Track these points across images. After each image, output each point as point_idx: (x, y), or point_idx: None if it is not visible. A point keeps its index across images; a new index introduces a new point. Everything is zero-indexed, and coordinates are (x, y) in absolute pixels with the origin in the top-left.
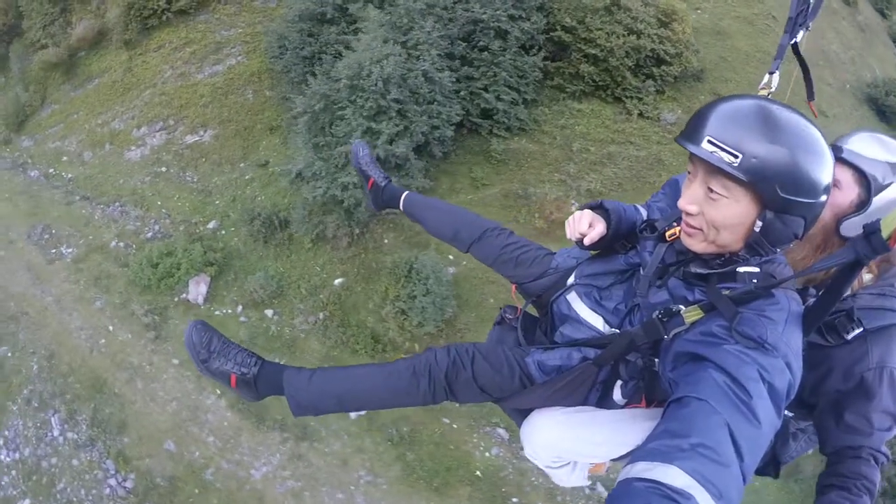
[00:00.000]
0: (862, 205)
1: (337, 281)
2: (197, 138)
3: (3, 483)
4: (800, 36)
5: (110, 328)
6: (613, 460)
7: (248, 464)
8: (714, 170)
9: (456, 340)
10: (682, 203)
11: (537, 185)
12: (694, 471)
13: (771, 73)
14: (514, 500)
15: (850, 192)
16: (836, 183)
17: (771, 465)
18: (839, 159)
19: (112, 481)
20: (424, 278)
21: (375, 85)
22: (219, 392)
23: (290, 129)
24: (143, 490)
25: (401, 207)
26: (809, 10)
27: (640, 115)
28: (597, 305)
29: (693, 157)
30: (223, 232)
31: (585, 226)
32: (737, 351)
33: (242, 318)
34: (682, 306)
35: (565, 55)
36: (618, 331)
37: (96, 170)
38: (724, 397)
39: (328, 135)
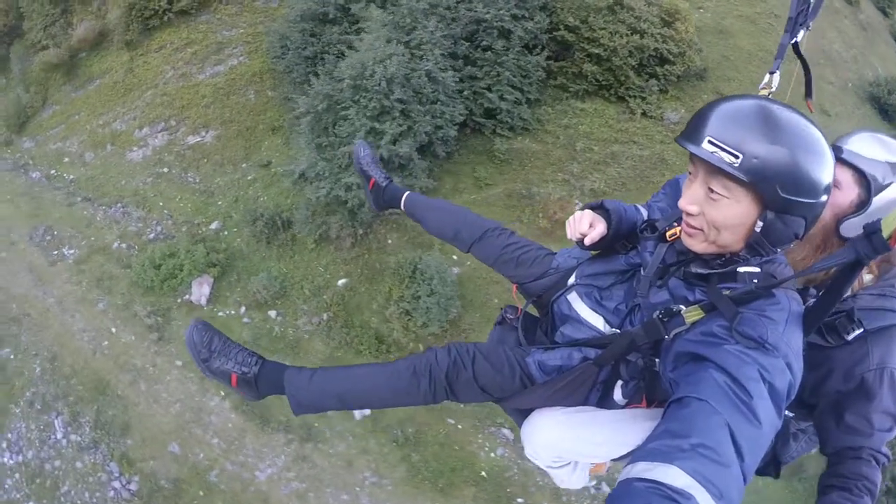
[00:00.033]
0: (862, 205)
1: (340, 281)
2: (199, 139)
3: (6, 486)
4: (800, 35)
5: (113, 330)
6: (614, 460)
7: (252, 465)
8: (715, 170)
9: (460, 341)
10: (683, 203)
11: (541, 185)
12: (694, 471)
13: (771, 73)
14: (520, 500)
15: (849, 192)
16: (835, 183)
17: (771, 466)
18: (839, 159)
19: (116, 484)
20: (429, 279)
21: (379, 85)
22: (223, 393)
23: (292, 129)
24: (148, 492)
25: (402, 208)
26: (810, 9)
27: (644, 114)
28: (597, 305)
29: (693, 158)
30: (226, 233)
31: (586, 226)
32: (737, 351)
33: (246, 320)
34: (682, 306)
35: (568, 55)
36: (618, 331)
37: (98, 171)
38: (725, 397)
39: (331, 135)
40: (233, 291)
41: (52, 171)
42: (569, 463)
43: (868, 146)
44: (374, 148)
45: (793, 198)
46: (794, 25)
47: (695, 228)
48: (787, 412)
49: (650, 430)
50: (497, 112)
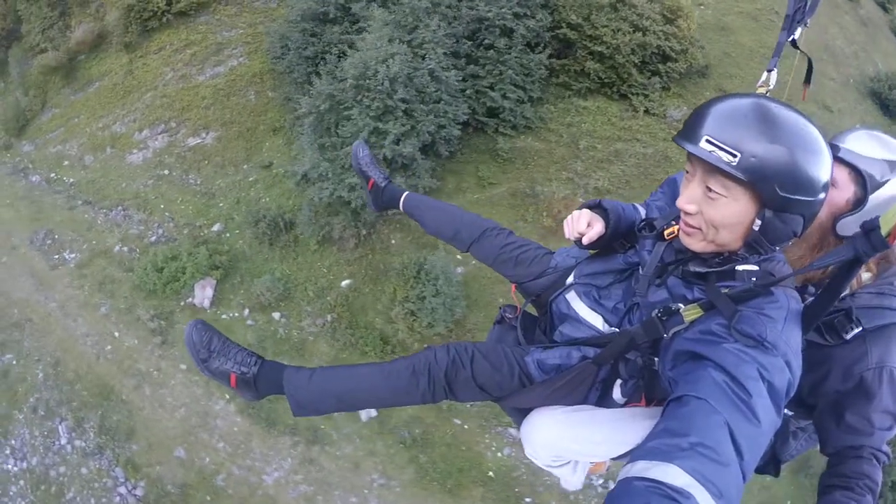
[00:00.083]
0: (858, 203)
1: (344, 282)
2: (199, 140)
3: (11, 493)
4: (797, 33)
5: (116, 334)
6: (613, 459)
7: (259, 469)
8: (713, 169)
9: (466, 340)
10: (681, 202)
11: (544, 184)
12: (694, 470)
13: (769, 71)
14: (528, 500)
15: (846, 190)
16: (831, 182)
17: (771, 464)
18: (835, 158)
19: (122, 489)
20: (434, 279)
21: (382, 84)
22: (228, 397)
23: (293, 129)
24: (154, 498)
25: (401, 208)
26: (807, 7)
27: (646, 111)
28: (596, 304)
29: (691, 157)
30: (228, 235)
31: (584, 225)
32: (736, 349)
33: (249, 322)
34: (681, 305)
35: (571, 52)
36: (617, 330)
37: (98, 174)
38: (724, 396)
39: (334, 135)
40: (236, 294)
41: (52, 175)
42: (568, 462)
43: (865, 144)
44: (372, 148)
45: (791, 196)
46: (791, 23)
47: (693, 227)
48: (786, 411)
49: (649, 428)
50: (500, 111)
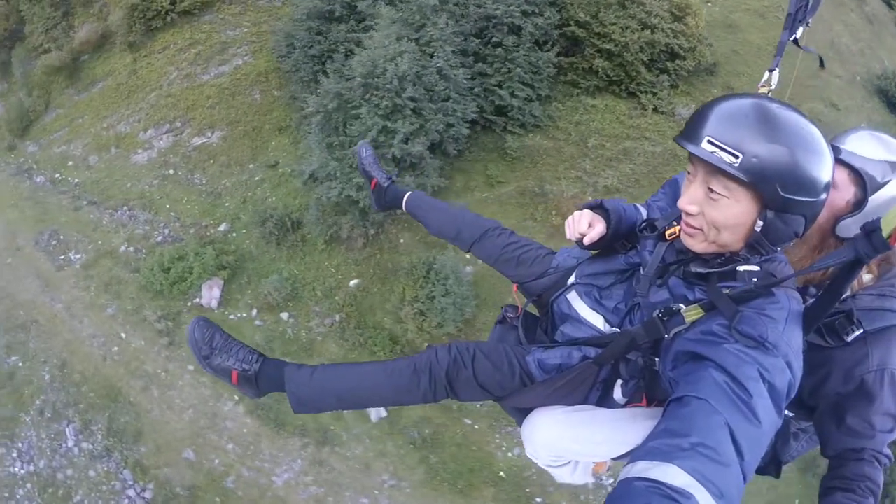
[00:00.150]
0: (858, 204)
1: (352, 282)
2: (204, 140)
3: (18, 496)
4: (799, 32)
5: (123, 335)
6: (614, 459)
7: (269, 471)
8: (714, 170)
9: (476, 340)
10: (682, 203)
11: (553, 183)
12: (694, 470)
13: (771, 71)
14: (538, 500)
15: (846, 191)
16: (832, 183)
17: (772, 465)
18: (835, 159)
19: (130, 492)
20: (444, 278)
21: (391, 83)
22: (237, 398)
23: (299, 128)
24: (163, 500)
25: (403, 208)
26: (808, 6)
27: (655, 109)
28: (597, 305)
29: (693, 158)
30: (234, 234)
31: (585, 225)
32: (737, 350)
33: (258, 322)
34: (682, 305)
35: (579, 50)
36: (618, 330)
37: (103, 174)
38: (724, 397)
39: (342, 134)
40: (243, 294)
41: (57, 175)
42: (569, 462)
43: (866, 145)
44: (381, 147)
45: (793, 196)
46: (793, 22)
47: (694, 228)
48: (786, 412)
49: (650, 429)
50: (508, 109)
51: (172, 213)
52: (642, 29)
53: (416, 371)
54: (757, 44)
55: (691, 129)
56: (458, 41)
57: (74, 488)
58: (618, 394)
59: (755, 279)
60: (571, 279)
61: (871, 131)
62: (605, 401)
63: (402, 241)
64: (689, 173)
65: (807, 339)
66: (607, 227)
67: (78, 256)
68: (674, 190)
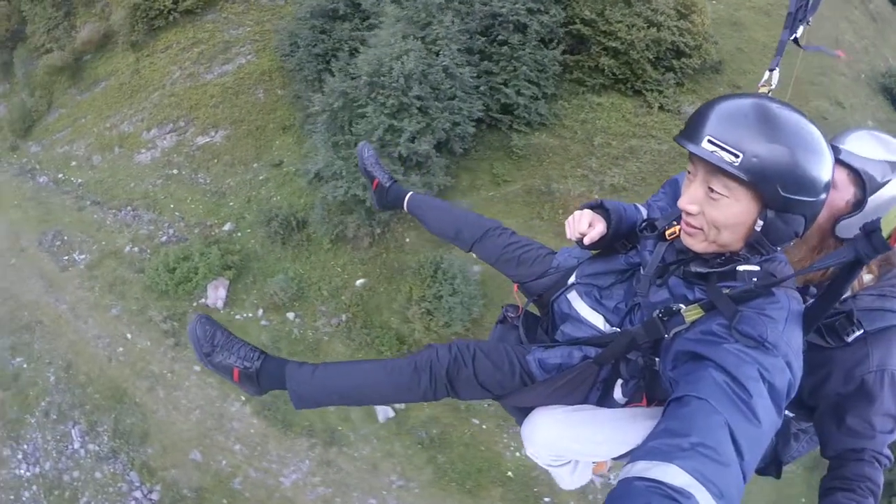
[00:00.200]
0: (858, 205)
1: (359, 282)
2: (208, 139)
3: (24, 499)
4: (799, 31)
5: (128, 336)
6: (615, 459)
7: (276, 471)
8: (715, 169)
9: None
10: (683, 203)
11: (560, 181)
12: (694, 470)
13: (771, 70)
14: (546, 499)
15: (845, 192)
16: (832, 183)
17: (773, 466)
18: (835, 159)
19: (137, 493)
20: (451, 278)
21: (397, 81)
22: (243, 399)
23: (304, 127)
24: (170, 502)
25: (405, 208)
26: (809, 5)
27: (661, 108)
28: (597, 304)
29: (693, 157)
30: (239, 234)
31: (585, 225)
32: (737, 350)
33: (264, 322)
34: (682, 305)
35: (584, 48)
36: (618, 330)
37: (106, 174)
38: (724, 396)
39: (348, 133)
40: (249, 294)
41: (60, 175)
42: (569, 462)
43: (866, 145)
44: (387, 146)
45: (793, 196)
46: (793, 21)
47: (695, 228)
48: (787, 412)
49: (650, 429)
50: (514, 107)
51: (177, 213)
52: (648, 27)
53: (417, 369)
54: (762, 41)
55: (691, 129)
56: (463, 39)
57: (81, 490)
58: (618, 393)
59: (755, 279)
60: (572, 279)
61: (871, 131)
62: (605, 400)
63: (408, 240)
64: (689, 173)
65: (807, 340)
66: (607, 227)
67: (82, 257)
68: (674, 190)
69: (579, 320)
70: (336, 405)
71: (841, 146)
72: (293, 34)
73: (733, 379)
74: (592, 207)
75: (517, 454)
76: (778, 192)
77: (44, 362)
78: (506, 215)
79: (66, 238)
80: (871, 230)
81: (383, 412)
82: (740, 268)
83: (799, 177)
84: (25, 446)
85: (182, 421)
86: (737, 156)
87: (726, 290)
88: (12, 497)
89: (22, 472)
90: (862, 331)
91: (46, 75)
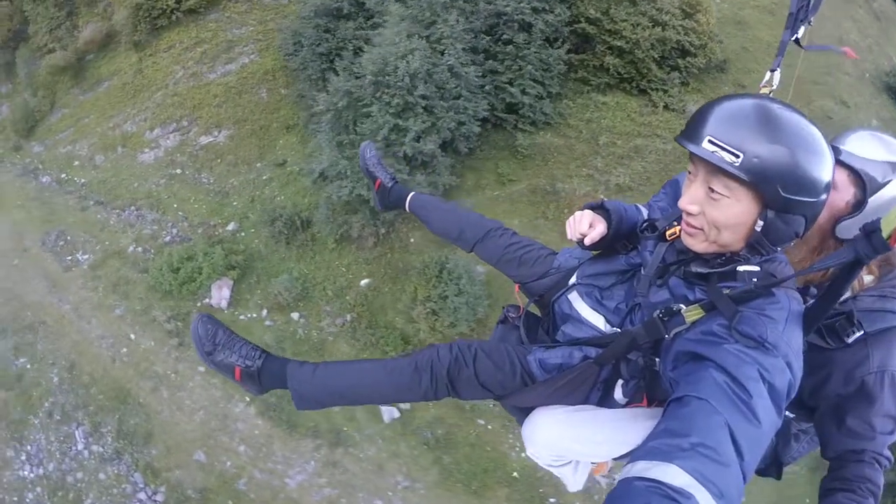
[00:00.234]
0: (858, 205)
1: (363, 282)
2: (211, 139)
3: (27, 500)
4: (801, 32)
5: (132, 336)
6: (615, 459)
7: (281, 472)
8: (715, 170)
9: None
10: (683, 203)
11: (565, 181)
12: (694, 470)
13: (772, 71)
14: (552, 500)
15: (845, 192)
16: (832, 184)
17: (773, 466)
18: (835, 160)
19: (142, 495)
20: (457, 278)
21: (402, 81)
22: (248, 399)
23: (308, 127)
24: (175, 503)
25: (407, 208)
26: (810, 5)
27: (666, 107)
28: (598, 305)
29: (694, 157)
30: (243, 234)
31: (586, 226)
32: (737, 350)
33: (268, 322)
34: (682, 305)
35: (589, 47)
36: (619, 330)
37: (109, 173)
38: (725, 397)
39: (352, 133)
40: (253, 294)
41: (63, 175)
42: (570, 462)
43: (866, 145)
44: (392, 145)
45: (793, 197)
46: (794, 21)
47: (695, 228)
48: (787, 413)
49: (650, 429)
50: (519, 106)
51: (180, 213)
52: (653, 26)
53: (418, 369)
54: (766, 41)
55: (692, 129)
56: (468, 38)
57: (85, 491)
58: (618, 394)
59: (755, 279)
60: (573, 279)
61: (872, 132)
62: (605, 401)
63: (412, 240)
64: (689, 173)
65: (807, 340)
66: (608, 228)
67: (85, 257)
68: (675, 190)
69: (580, 321)
70: (338, 405)
71: (841, 147)
72: (297, 33)
73: (733, 379)
74: (593, 208)
75: (522, 455)
76: (778, 192)
77: (47, 363)
78: (511, 215)
79: (69, 238)
80: (871, 231)
81: (388, 413)
82: (740, 268)
83: (799, 177)
84: (29, 447)
85: (186, 422)
86: (737, 156)
87: (727, 291)
88: (16, 499)
89: (25, 473)
90: (862, 332)
91: (49, 75)
